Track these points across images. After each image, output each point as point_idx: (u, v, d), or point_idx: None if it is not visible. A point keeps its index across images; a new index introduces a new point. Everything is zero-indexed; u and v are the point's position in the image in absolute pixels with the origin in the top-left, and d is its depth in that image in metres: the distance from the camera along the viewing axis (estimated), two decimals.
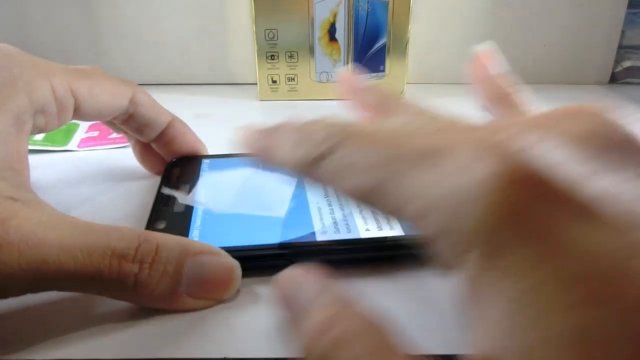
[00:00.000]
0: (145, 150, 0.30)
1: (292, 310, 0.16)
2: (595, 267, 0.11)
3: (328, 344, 0.14)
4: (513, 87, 0.22)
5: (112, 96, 0.26)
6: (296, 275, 0.17)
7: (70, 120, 0.25)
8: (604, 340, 0.10)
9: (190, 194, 0.24)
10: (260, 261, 0.22)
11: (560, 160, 0.13)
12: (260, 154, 0.20)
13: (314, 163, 0.17)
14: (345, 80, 0.24)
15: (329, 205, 0.25)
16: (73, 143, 0.36)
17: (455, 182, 0.13)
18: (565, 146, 0.14)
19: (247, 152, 0.21)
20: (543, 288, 0.11)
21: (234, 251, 0.21)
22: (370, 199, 0.16)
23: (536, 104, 0.22)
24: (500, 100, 0.22)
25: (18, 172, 0.20)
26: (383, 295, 0.21)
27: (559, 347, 0.10)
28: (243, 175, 0.28)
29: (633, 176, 0.14)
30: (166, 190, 0.25)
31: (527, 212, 0.12)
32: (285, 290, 0.17)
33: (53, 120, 0.24)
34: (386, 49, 0.45)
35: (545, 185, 0.13)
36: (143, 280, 0.18)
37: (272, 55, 0.45)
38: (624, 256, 0.11)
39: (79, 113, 0.25)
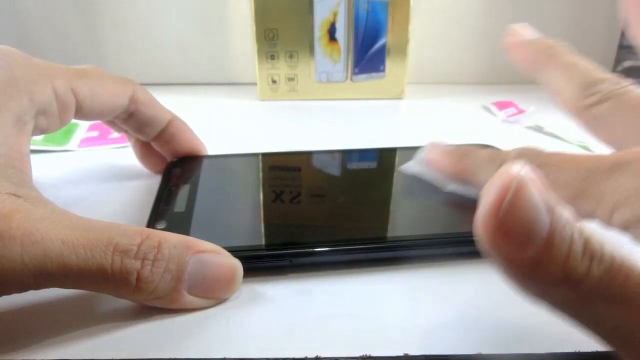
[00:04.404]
0: (146, 149, 0.30)
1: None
2: None
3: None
4: (556, 47, 0.25)
5: (113, 95, 0.26)
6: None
7: (72, 120, 0.25)
8: None
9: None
10: (260, 261, 0.22)
11: None
12: (459, 175, 0.24)
13: None
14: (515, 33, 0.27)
15: None
16: (73, 143, 0.36)
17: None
18: None
19: (439, 172, 0.25)
20: None
21: (234, 251, 0.21)
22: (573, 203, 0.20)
23: (587, 61, 0.24)
24: (547, 61, 0.25)
25: (20, 171, 0.20)
26: (388, 294, 0.21)
27: None
28: (243, 175, 0.28)
29: None
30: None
31: None
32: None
33: (55, 121, 0.24)
34: (386, 49, 0.45)
35: None
36: (145, 276, 0.18)
37: (272, 55, 0.45)
38: None
39: (81, 113, 0.25)
